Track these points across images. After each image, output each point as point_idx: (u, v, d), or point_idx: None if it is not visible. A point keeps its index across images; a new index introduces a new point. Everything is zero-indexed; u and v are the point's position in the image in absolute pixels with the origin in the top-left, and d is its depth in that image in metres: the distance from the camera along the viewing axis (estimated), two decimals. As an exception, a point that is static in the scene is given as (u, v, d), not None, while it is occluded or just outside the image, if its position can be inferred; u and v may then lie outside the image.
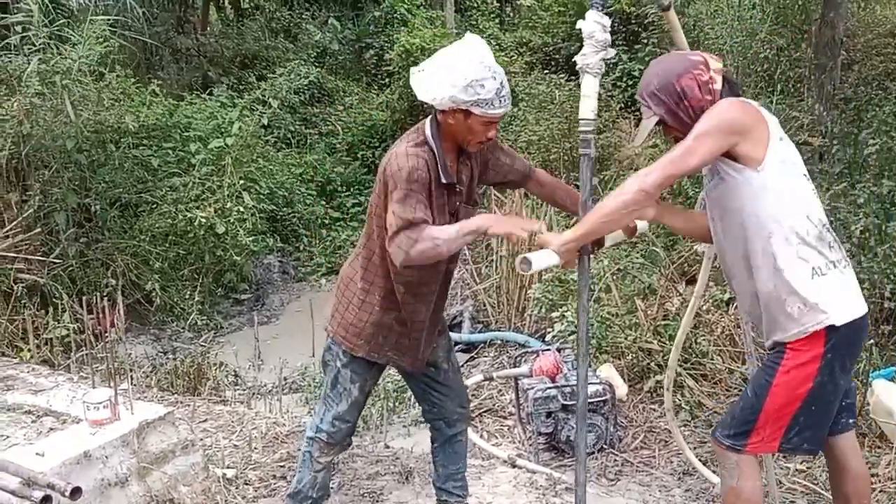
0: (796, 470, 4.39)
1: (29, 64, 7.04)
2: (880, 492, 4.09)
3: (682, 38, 3.42)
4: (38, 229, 6.96)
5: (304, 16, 14.11)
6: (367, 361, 3.45)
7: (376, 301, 3.35)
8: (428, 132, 3.20)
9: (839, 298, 2.88)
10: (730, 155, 2.87)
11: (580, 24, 3.02)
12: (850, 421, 3.18)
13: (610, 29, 2.98)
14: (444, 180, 3.19)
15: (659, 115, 3.00)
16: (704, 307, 5.57)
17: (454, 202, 3.29)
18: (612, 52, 3.06)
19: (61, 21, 7.60)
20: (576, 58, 3.07)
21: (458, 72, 3.04)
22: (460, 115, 3.11)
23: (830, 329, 2.85)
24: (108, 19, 7.99)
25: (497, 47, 12.70)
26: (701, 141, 2.81)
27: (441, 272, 3.37)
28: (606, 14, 3.03)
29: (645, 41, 11.29)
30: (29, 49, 7.23)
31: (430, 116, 3.24)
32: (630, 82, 11.28)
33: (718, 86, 2.95)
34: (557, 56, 12.49)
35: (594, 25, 2.99)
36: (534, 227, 3.04)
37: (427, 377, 3.62)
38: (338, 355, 3.46)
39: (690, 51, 3.11)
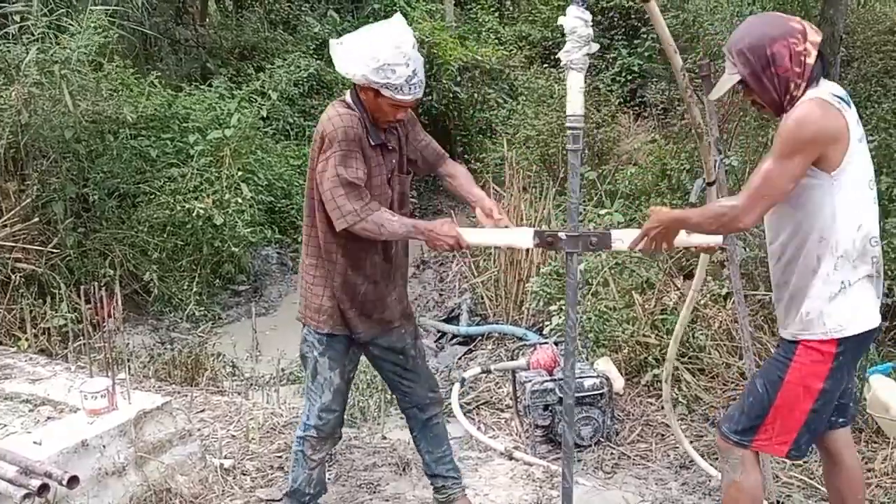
0: (792, 464, 4.40)
1: (27, 53, 7.01)
2: (877, 486, 4.10)
3: (664, 31, 3.41)
4: (36, 219, 6.95)
5: (303, 7, 14.06)
6: (341, 345, 3.50)
7: (326, 273, 3.42)
8: (349, 99, 3.32)
9: (859, 309, 2.86)
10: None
11: (562, 20, 3.03)
12: (842, 420, 3.18)
13: (607, 24, 2.97)
14: (373, 141, 3.29)
15: (742, 76, 2.87)
16: (702, 302, 5.58)
17: (390, 164, 3.39)
18: (595, 46, 3.06)
19: (60, 10, 7.57)
20: (559, 54, 3.08)
21: (373, 53, 3.12)
22: (371, 93, 3.21)
23: (843, 339, 2.85)
24: (107, 9, 7.95)
25: (496, 41, 12.71)
26: (790, 162, 2.71)
27: (378, 246, 3.41)
28: (588, 10, 3.02)
29: (644, 36, 11.29)
30: (28, 38, 7.21)
31: (351, 87, 3.33)
32: (629, 77, 11.29)
33: (812, 60, 2.81)
34: (557, 50, 12.44)
35: (576, 21, 3.00)
36: (459, 240, 3.19)
37: (396, 365, 3.67)
38: (313, 344, 3.51)
39: (791, 16, 2.92)
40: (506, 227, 3.38)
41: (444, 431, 3.88)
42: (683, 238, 3.10)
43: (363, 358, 3.74)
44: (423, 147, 3.56)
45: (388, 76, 3.11)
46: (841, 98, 2.82)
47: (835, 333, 2.84)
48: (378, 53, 3.11)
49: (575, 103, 3.05)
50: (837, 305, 2.84)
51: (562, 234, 3.14)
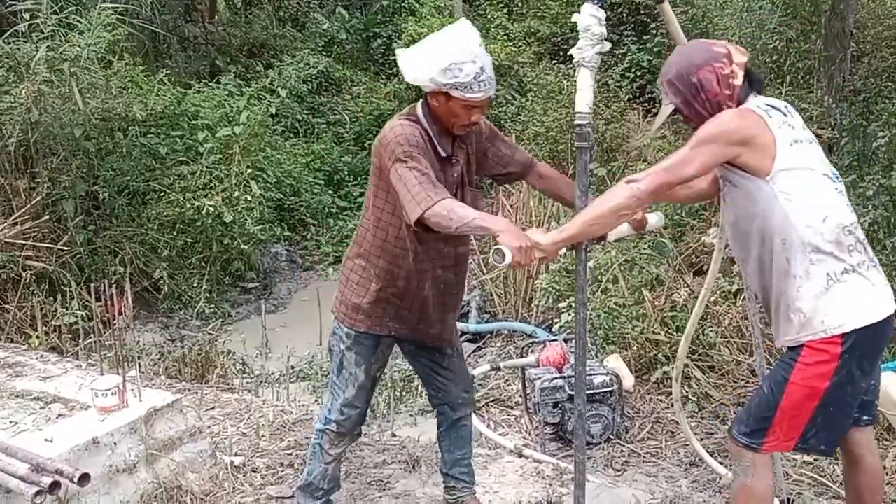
0: (803, 462, 4.39)
1: (37, 51, 7.03)
2: (888, 484, 4.08)
3: (677, 30, 3.40)
4: (47, 217, 6.98)
5: (311, 4, 14.09)
6: (371, 342, 3.46)
7: (373, 276, 3.37)
8: (419, 111, 3.25)
9: (855, 304, 2.83)
10: (736, 164, 2.84)
11: (576, 17, 3.02)
12: (865, 418, 3.15)
13: (616, 19, 2.97)
14: (441, 152, 3.22)
15: (675, 105, 2.96)
16: (712, 299, 5.56)
17: (454, 177, 3.31)
18: (607, 45, 3.05)
19: (70, 8, 7.59)
20: (571, 51, 3.07)
21: (439, 54, 3.07)
22: (442, 98, 3.14)
23: (845, 334, 2.82)
24: (117, 7, 7.97)
25: (505, 37, 12.68)
26: (698, 150, 2.79)
27: (441, 252, 3.36)
28: (604, 7, 3.02)
29: (654, 31, 11.25)
30: (37, 36, 7.23)
31: (422, 98, 3.27)
32: (639, 73, 11.26)
33: (739, 81, 2.90)
34: (566, 46, 12.44)
35: (590, 19, 2.98)
36: (533, 257, 2.96)
37: (432, 362, 3.64)
38: (342, 338, 3.48)
39: (716, 41, 3.04)
40: None
41: (470, 434, 3.85)
42: (619, 229, 3.23)
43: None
44: (507, 161, 3.47)
45: (455, 75, 3.05)
46: (772, 106, 2.91)
47: (835, 330, 2.81)
48: (444, 54, 3.05)
49: (585, 100, 3.04)
50: (830, 301, 2.81)
51: None
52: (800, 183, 2.83)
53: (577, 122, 3.06)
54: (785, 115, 2.91)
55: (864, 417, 3.14)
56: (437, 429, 3.83)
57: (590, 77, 3.05)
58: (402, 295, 3.38)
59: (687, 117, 2.99)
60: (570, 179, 3.60)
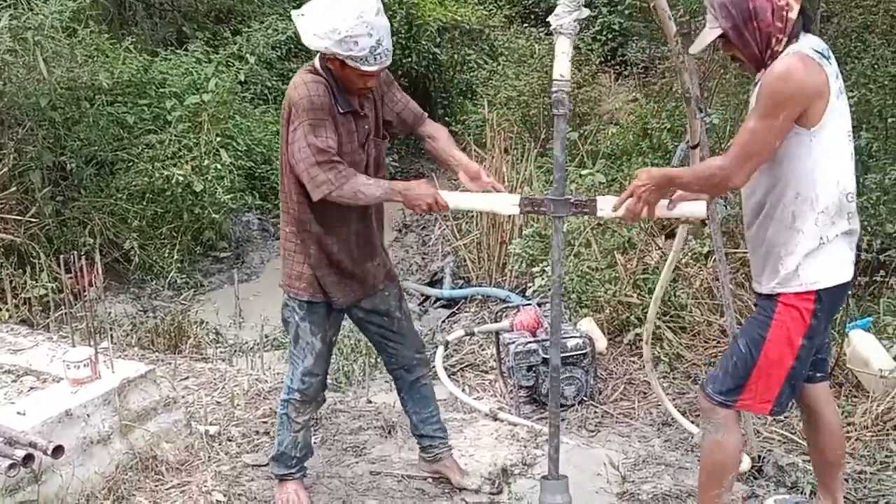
0: (773, 420, 4.45)
1: (0, 20, 6.90)
2: (856, 440, 4.16)
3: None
4: (13, 188, 6.87)
5: (280, -31, 13.87)
6: (322, 309, 3.49)
7: (305, 240, 3.40)
8: (317, 64, 3.26)
9: (833, 264, 2.88)
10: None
11: None
12: (819, 375, 3.23)
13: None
14: (342, 108, 3.23)
15: (724, 30, 2.84)
16: (683, 260, 5.60)
17: (363, 129, 3.33)
18: (585, 11, 3.03)
19: (32, -25, 7.43)
20: (549, 18, 3.06)
21: (334, 24, 3.04)
22: (337, 63, 3.15)
23: (820, 291, 2.87)
24: (80, -26, 7.80)
25: (476, 0, 12.59)
26: (774, 120, 2.71)
27: (353, 214, 3.39)
28: None
29: (625, -6, 11.20)
30: (-1, 4, 7.09)
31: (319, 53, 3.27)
32: (610, 36, 11.23)
33: (794, 14, 2.78)
34: (537, 10, 12.39)
35: None
36: (437, 198, 3.17)
37: (381, 327, 3.67)
38: (294, 309, 3.51)
39: None
40: (493, 190, 3.36)
41: (432, 392, 3.90)
42: (666, 211, 3.11)
43: (348, 321, 3.75)
44: (400, 108, 3.50)
45: (350, 48, 3.04)
46: (821, 53, 2.81)
47: (811, 286, 2.86)
48: (339, 24, 3.02)
49: (562, 67, 3.03)
50: (814, 260, 2.86)
51: (548, 200, 3.15)
52: (833, 141, 2.81)
53: (554, 88, 3.05)
54: (830, 60, 2.83)
55: (819, 374, 3.23)
56: (398, 394, 3.89)
57: (568, 44, 3.04)
58: (331, 255, 3.41)
59: (732, 45, 2.88)
60: (450, 135, 3.59)
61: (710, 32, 2.89)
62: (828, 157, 2.81)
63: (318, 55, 3.24)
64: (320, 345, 3.53)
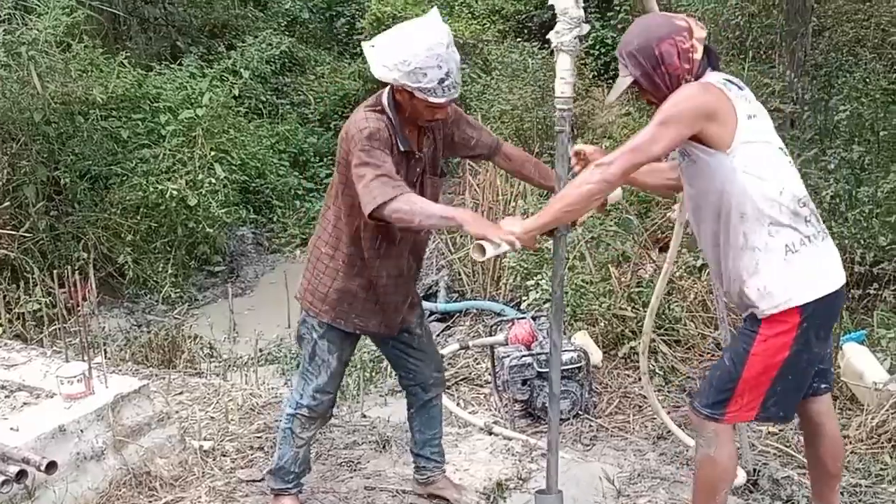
0: (769, 432, 4.46)
1: (-6, 35, 6.91)
2: (851, 453, 4.16)
3: (653, 2, 3.40)
4: (7, 203, 6.87)
5: (273, -17, 13.91)
6: (342, 332, 3.46)
7: (340, 266, 3.36)
8: (384, 100, 3.22)
9: (812, 275, 2.89)
10: (698, 138, 2.84)
11: (552, 0, 3.01)
12: (824, 386, 3.22)
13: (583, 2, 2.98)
14: (401, 147, 3.20)
15: (634, 77, 2.95)
16: (677, 274, 5.62)
17: (415, 171, 3.30)
18: (586, 28, 3.05)
19: (26, -10, 7.46)
20: (549, 35, 3.07)
21: (404, 56, 3.01)
22: (406, 95, 3.12)
23: (803, 305, 2.87)
24: (74, -12, 7.83)
25: (469, 15, 12.62)
26: (665, 128, 2.79)
27: (408, 240, 3.37)
28: None
29: (618, 8, 11.25)
30: (-7, 20, 7.10)
31: (388, 86, 3.24)
32: (603, 50, 11.26)
33: (698, 56, 2.90)
34: (530, 24, 12.42)
35: (567, 1, 2.98)
36: (507, 239, 2.97)
37: (402, 343, 3.63)
38: (313, 327, 3.46)
39: (676, 14, 3.05)
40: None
41: (440, 415, 3.85)
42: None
43: None
44: (474, 144, 3.46)
45: (419, 80, 3.01)
46: (728, 81, 2.92)
47: (794, 302, 2.87)
48: (409, 56, 3.00)
49: (565, 86, 3.05)
50: (788, 272, 2.86)
51: None
52: (758, 155, 2.86)
53: (557, 106, 3.07)
54: (740, 88, 2.94)
55: (822, 385, 3.22)
56: (408, 409, 3.83)
57: (570, 62, 3.05)
58: (367, 285, 3.37)
59: (644, 90, 2.99)
60: (535, 160, 3.62)
61: (622, 81, 3.00)
62: (757, 173, 2.83)
63: (388, 91, 3.22)
64: (336, 363, 3.49)
